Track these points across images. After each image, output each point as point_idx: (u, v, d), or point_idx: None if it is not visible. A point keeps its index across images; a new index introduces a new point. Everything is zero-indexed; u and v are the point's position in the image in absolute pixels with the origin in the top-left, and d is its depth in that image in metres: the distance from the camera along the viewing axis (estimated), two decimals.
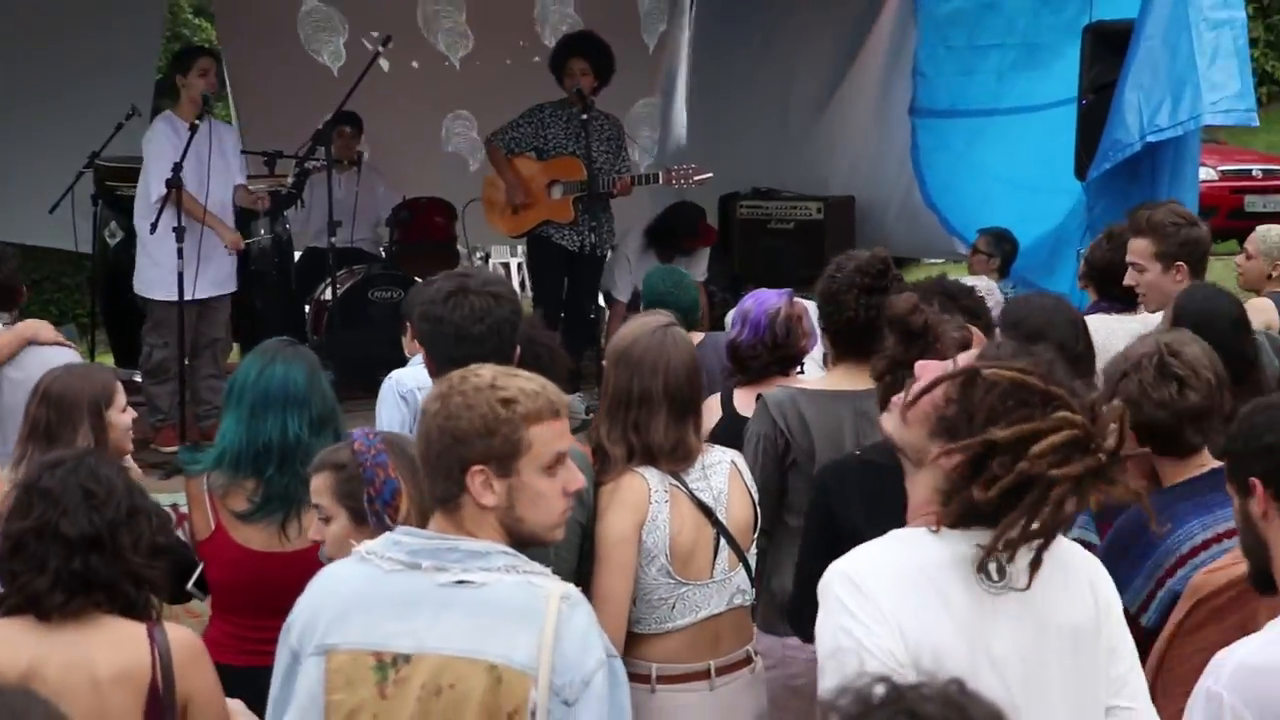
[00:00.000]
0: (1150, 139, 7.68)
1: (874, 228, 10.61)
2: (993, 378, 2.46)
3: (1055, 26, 9.02)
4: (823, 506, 3.60)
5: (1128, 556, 3.51)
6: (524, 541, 2.80)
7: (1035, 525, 2.43)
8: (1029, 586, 2.49)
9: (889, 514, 2.65)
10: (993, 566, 2.47)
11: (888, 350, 3.65)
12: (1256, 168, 16.48)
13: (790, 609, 3.76)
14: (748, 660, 3.90)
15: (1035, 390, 2.45)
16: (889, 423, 2.65)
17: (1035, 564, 2.48)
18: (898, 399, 2.65)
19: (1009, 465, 2.40)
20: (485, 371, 2.81)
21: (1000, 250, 8.46)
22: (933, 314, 3.66)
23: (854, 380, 4.15)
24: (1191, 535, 3.51)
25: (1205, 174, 15.50)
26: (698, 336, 5.34)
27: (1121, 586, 3.17)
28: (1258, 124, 7.99)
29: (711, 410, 4.54)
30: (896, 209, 10.53)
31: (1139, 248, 5.41)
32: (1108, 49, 7.94)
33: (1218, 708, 2.58)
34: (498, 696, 2.64)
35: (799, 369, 4.94)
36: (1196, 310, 4.62)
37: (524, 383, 2.78)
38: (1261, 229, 7.24)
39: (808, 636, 3.46)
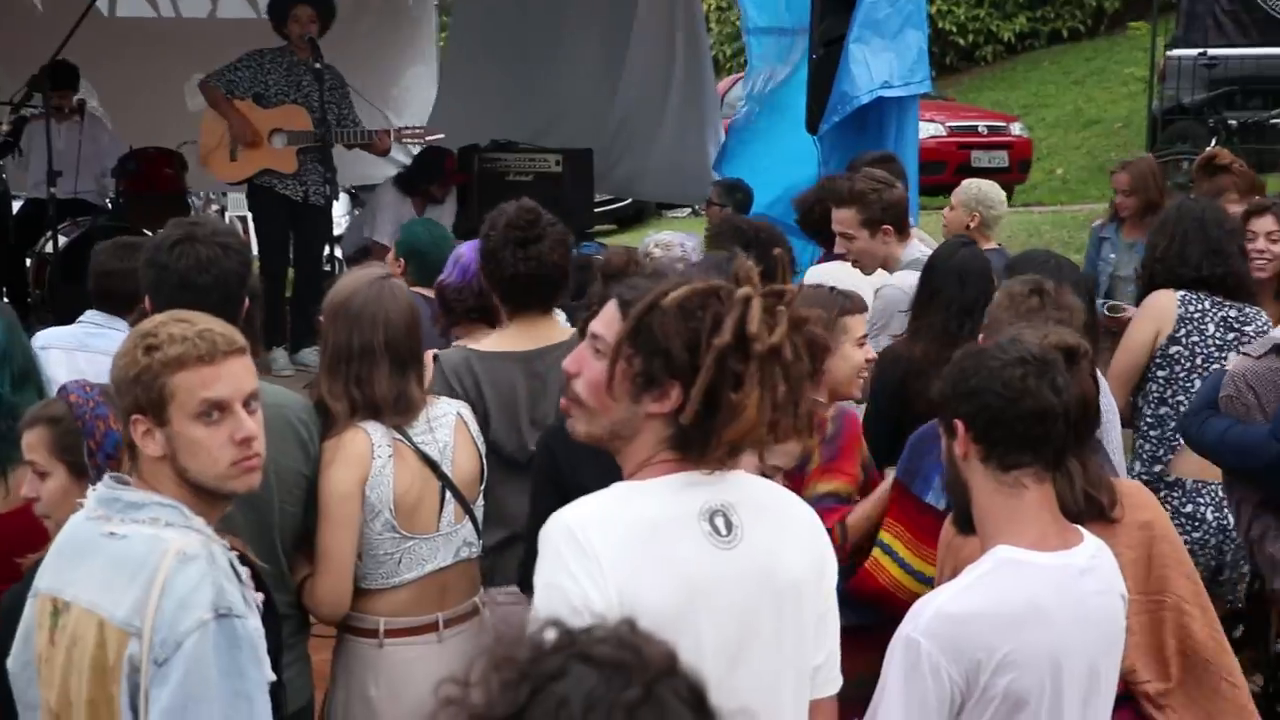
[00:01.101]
0: (882, 94, 7.91)
1: (621, 175, 10.73)
2: (666, 305, 2.41)
3: None
4: (549, 470, 3.57)
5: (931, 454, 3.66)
6: (203, 492, 2.75)
7: (782, 391, 2.39)
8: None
9: (618, 472, 2.59)
10: (721, 520, 2.46)
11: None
12: (982, 124, 17.00)
13: (521, 575, 3.72)
14: (475, 611, 3.90)
15: (701, 291, 2.42)
16: (580, 428, 2.57)
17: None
18: (568, 402, 2.57)
19: (743, 359, 2.37)
20: (157, 318, 2.76)
21: (731, 199, 8.59)
22: (650, 263, 3.69)
23: (526, 339, 4.19)
24: None
25: (934, 130, 16.04)
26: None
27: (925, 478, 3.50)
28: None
29: None
30: (646, 157, 10.65)
31: (845, 218, 5.61)
32: (836, 4, 8.12)
33: (915, 654, 2.68)
34: (105, 651, 2.60)
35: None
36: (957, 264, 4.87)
37: (176, 328, 2.71)
38: (966, 182, 7.56)
39: None
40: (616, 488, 2.51)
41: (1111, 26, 22.80)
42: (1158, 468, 4.89)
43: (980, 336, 3.93)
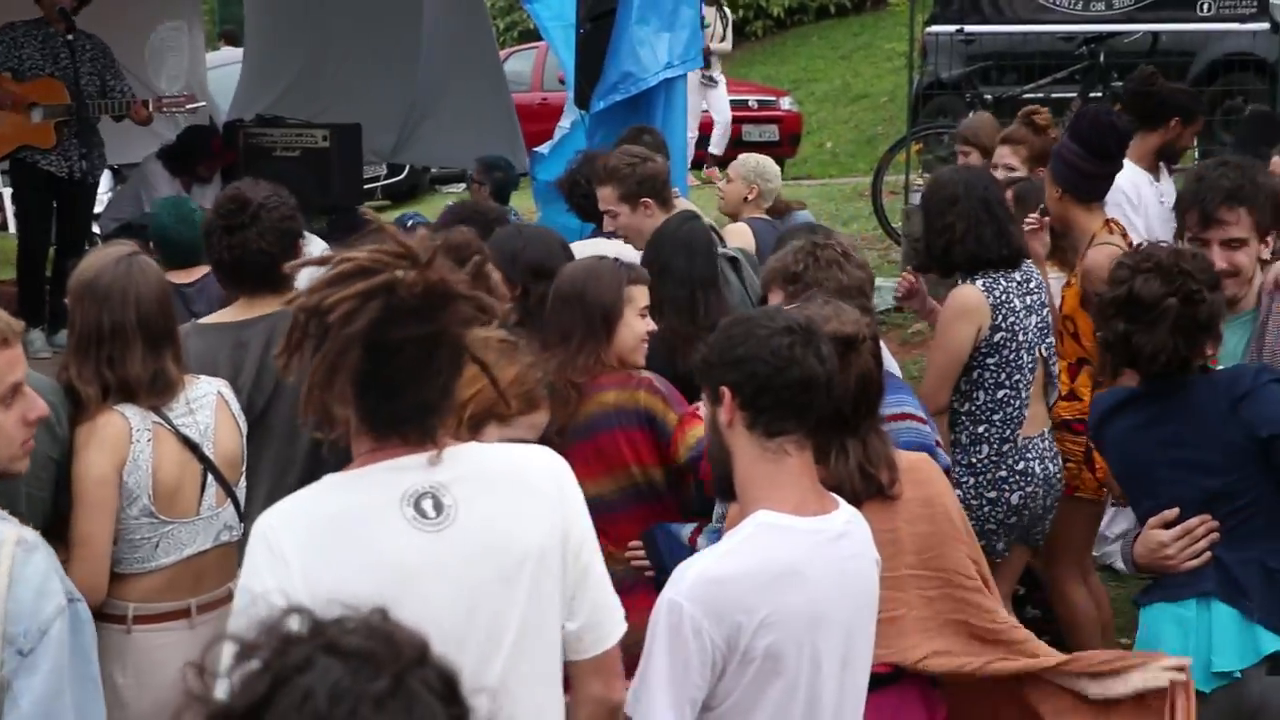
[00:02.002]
0: (665, 75, 7.95)
1: (415, 146, 10.78)
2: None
3: None
4: None
5: None
6: None
7: (330, 363, 2.34)
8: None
9: None
10: (429, 504, 2.41)
11: None
12: (753, 99, 17.22)
13: None
14: (231, 596, 3.82)
15: (329, 261, 2.39)
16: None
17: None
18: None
19: (320, 328, 2.33)
20: None
21: (490, 178, 8.57)
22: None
23: (243, 312, 4.20)
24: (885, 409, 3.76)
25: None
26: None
27: None
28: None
29: None
30: (438, 129, 10.59)
31: (605, 195, 5.72)
32: None
33: (678, 617, 2.72)
34: None
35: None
36: (671, 236, 4.96)
37: None
38: (743, 156, 7.70)
39: None
40: (322, 481, 2.47)
41: (877, 2, 23.33)
42: (1006, 446, 5.02)
43: (772, 294, 4.02)
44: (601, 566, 2.64)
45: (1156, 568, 3.80)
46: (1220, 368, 3.85)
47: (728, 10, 17.08)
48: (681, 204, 6.74)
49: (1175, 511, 3.74)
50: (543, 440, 3.83)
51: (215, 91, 11.89)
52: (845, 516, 2.92)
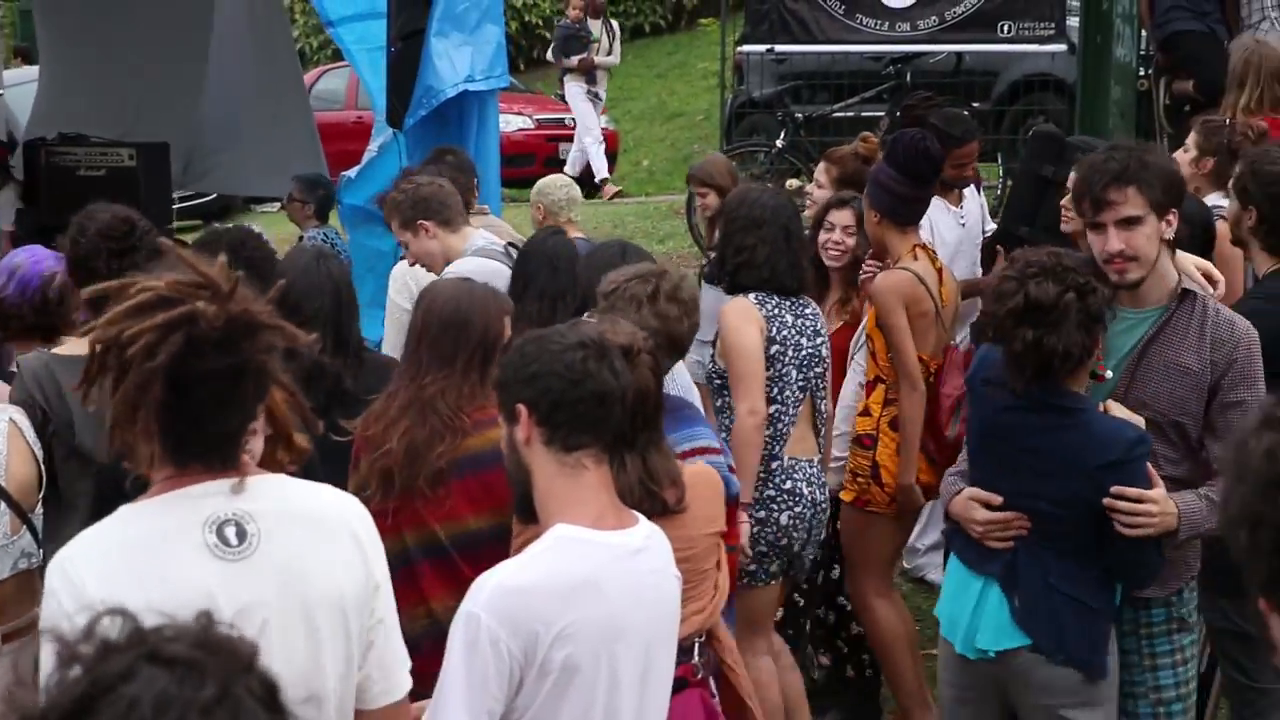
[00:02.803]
0: (467, 88, 7.96)
1: (215, 170, 10.55)
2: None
3: None
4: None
5: None
6: None
7: (131, 399, 2.31)
8: None
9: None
10: (231, 531, 2.38)
11: None
12: (568, 117, 17.27)
13: None
14: (34, 624, 3.71)
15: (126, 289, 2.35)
16: None
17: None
18: None
19: (119, 361, 2.30)
20: None
21: (314, 196, 8.45)
22: None
23: None
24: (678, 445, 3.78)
25: (522, 123, 16.25)
26: None
27: None
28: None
29: None
30: (238, 152, 10.42)
31: (394, 229, 5.95)
32: None
33: (475, 628, 2.72)
34: None
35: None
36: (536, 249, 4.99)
37: None
38: (540, 181, 7.78)
39: None
40: (120, 510, 2.44)
41: (690, 21, 23.56)
42: (774, 464, 5.05)
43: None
44: (394, 617, 2.63)
45: (962, 527, 3.97)
46: (1102, 404, 3.88)
47: (615, 23, 17.06)
48: (494, 221, 6.74)
49: (998, 500, 3.89)
50: (430, 469, 3.85)
51: (17, 110, 11.56)
52: (645, 532, 2.95)
